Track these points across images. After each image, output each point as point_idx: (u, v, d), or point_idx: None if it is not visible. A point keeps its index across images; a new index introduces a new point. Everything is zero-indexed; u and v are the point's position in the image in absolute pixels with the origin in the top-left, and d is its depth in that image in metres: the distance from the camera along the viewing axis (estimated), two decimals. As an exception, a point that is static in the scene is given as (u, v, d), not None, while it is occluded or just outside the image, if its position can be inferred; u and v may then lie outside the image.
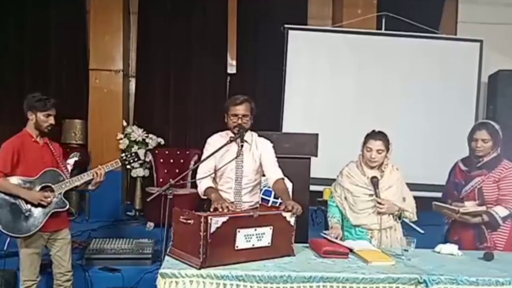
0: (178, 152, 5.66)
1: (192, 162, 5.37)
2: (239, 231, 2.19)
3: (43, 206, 2.89)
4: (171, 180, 2.62)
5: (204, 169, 2.79)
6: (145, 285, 3.57)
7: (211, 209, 2.46)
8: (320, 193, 4.74)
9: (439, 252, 2.59)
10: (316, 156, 3.73)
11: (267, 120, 5.31)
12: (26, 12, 5.89)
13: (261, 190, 3.08)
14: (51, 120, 2.98)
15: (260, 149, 2.85)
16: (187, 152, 5.62)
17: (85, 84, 5.83)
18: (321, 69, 5.73)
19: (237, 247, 2.20)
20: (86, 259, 3.82)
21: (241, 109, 2.77)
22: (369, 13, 5.88)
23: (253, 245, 2.25)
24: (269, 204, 3.52)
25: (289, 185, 2.87)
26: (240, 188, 2.80)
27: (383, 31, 5.88)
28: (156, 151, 5.60)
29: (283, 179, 2.78)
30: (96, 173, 2.99)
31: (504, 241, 2.83)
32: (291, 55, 5.67)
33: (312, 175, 3.78)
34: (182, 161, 5.57)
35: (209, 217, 2.11)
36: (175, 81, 6.14)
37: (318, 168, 3.88)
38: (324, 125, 5.17)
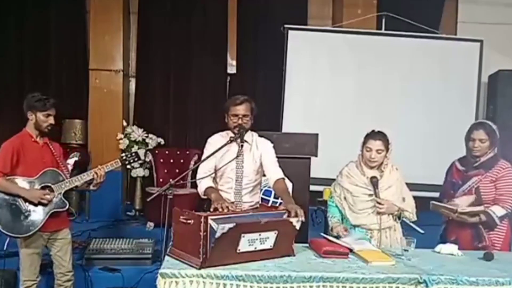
0: (178, 152, 5.66)
1: (192, 162, 5.37)
2: (243, 236, 2.17)
3: (43, 205, 2.89)
4: (171, 180, 2.62)
5: (204, 169, 2.79)
6: (145, 285, 3.57)
7: (211, 209, 2.46)
8: (320, 193, 4.73)
9: (439, 252, 2.59)
10: (316, 156, 3.73)
11: (267, 120, 5.30)
12: (26, 12, 5.89)
13: (261, 190, 3.08)
14: (51, 120, 2.98)
15: (260, 149, 2.85)
16: (187, 152, 5.62)
17: (85, 84, 5.83)
18: (321, 69, 5.73)
19: (239, 250, 2.19)
20: (86, 259, 3.82)
21: (241, 109, 2.77)
22: (369, 13, 5.88)
23: (255, 248, 2.23)
24: (269, 204, 3.52)
25: (289, 185, 2.86)
26: (241, 188, 2.80)
27: (383, 31, 5.87)
28: (156, 151, 5.61)
29: (283, 179, 2.78)
30: (96, 173, 2.99)
31: (501, 240, 2.84)
32: (291, 55, 5.67)
33: (312, 175, 3.78)
34: (182, 161, 5.57)
35: (215, 223, 2.09)
36: (175, 81, 6.14)
37: (318, 168, 3.88)
38: (324, 125, 5.17)
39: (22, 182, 2.88)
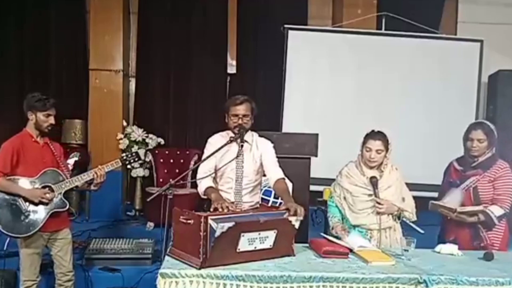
0: (178, 152, 5.66)
1: (192, 162, 5.38)
2: (243, 235, 2.18)
3: (44, 204, 2.89)
4: (171, 180, 2.62)
5: (204, 169, 2.79)
6: (145, 285, 3.57)
7: (211, 209, 2.46)
8: (320, 193, 4.73)
9: (439, 252, 2.59)
10: (316, 156, 3.73)
11: (267, 120, 5.30)
12: (26, 12, 5.89)
13: (261, 190, 3.08)
14: (51, 120, 2.98)
15: (260, 149, 2.85)
16: (187, 152, 5.62)
17: (85, 84, 5.83)
18: (321, 69, 5.73)
19: (239, 249, 2.19)
20: (86, 259, 3.83)
21: (241, 109, 2.77)
22: (369, 13, 5.88)
23: (255, 247, 2.23)
24: (269, 204, 3.51)
25: (289, 185, 2.86)
26: (241, 188, 2.80)
27: (383, 31, 5.88)
28: (156, 151, 5.61)
29: (283, 179, 2.78)
30: (96, 173, 2.99)
31: (500, 240, 2.84)
32: (291, 55, 5.67)
33: (312, 175, 3.78)
34: (182, 161, 5.57)
35: (215, 222, 2.09)
36: (175, 81, 6.15)
37: (318, 168, 3.88)
38: (324, 125, 5.17)
39: (23, 182, 2.89)
